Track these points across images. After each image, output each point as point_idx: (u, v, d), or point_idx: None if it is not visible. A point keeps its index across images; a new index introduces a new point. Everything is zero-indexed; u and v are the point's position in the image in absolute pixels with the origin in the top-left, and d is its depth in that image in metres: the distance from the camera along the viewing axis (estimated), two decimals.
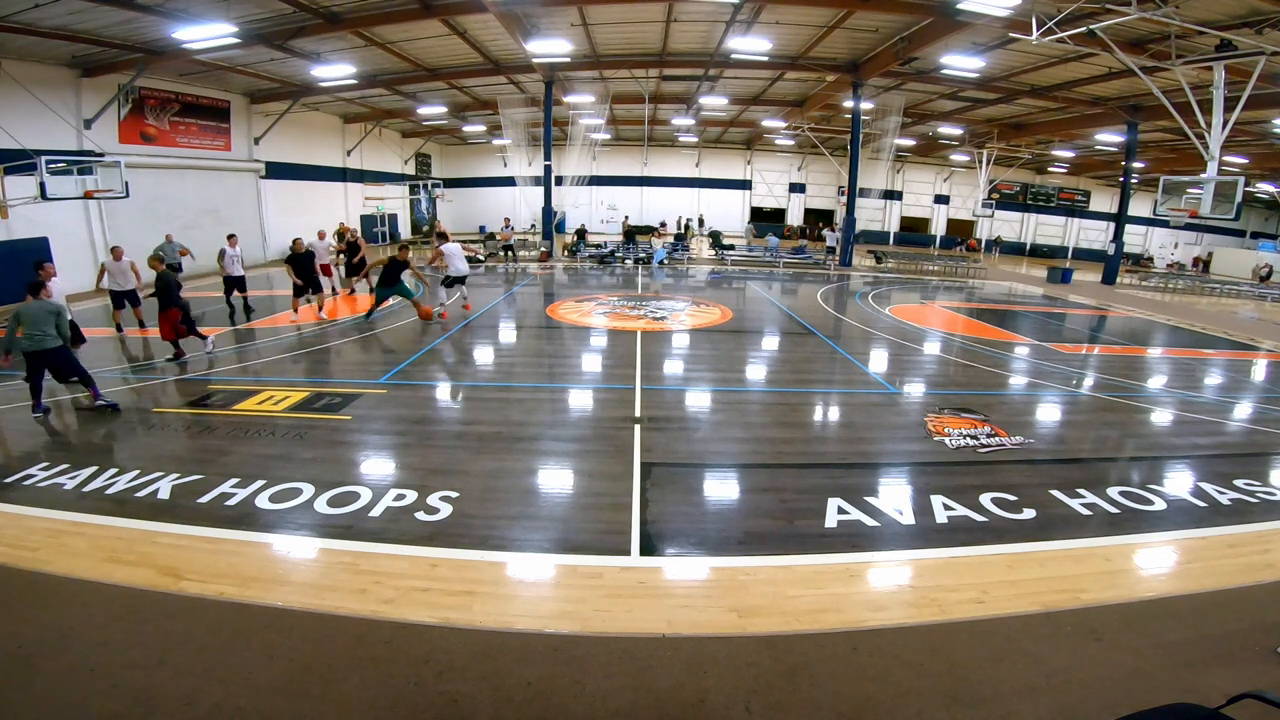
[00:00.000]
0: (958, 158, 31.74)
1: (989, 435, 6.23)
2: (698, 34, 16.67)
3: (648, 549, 4.06)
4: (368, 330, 10.59)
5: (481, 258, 22.22)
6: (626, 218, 31.15)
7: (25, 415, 6.46)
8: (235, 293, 11.94)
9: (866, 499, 4.77)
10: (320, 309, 11.45)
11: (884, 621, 3.39)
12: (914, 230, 37.31)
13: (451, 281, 12.32)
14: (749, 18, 14.64)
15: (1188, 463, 5.86)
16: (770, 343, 10.66)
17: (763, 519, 4.50)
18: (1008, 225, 35.93)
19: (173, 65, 15.46)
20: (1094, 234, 35.95)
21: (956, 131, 26.79)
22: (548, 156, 21.46)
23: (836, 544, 4.17)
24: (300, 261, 11.02)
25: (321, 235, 13.92)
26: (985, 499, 4.80)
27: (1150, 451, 6.32)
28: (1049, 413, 7.34)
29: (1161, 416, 7.40)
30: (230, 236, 12.11)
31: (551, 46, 15.56)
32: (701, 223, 34.34)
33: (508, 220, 24.26)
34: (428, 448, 5.73)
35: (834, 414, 7.16)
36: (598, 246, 23.61)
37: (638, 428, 6.18)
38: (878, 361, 9.50)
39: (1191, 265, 32.66)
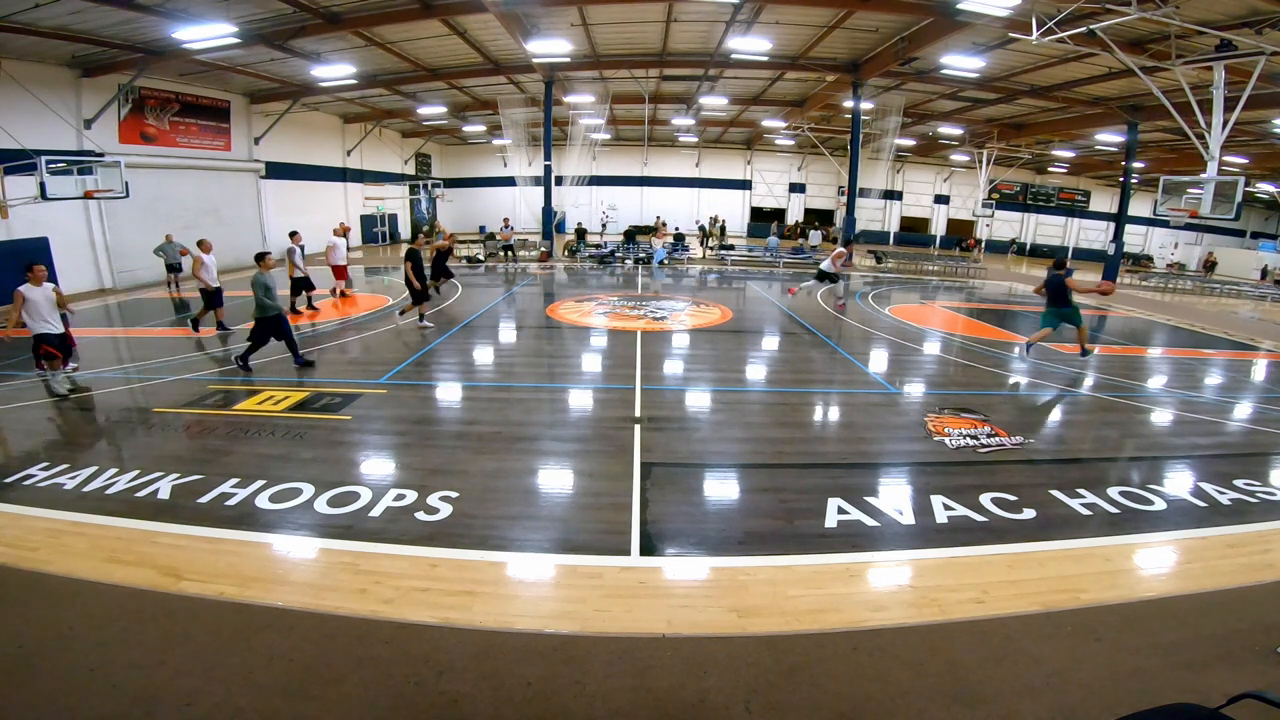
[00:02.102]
0: (958, 158, 31.72)
1: (989, 435, 6.23)
2: (698, 34, 16.66)
3: (648, 549, 4.06)
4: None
5: (481, 258, 22.27)
6: (658, 218, 30.27)
7: (25, 415, 6.47)
8: (304, 292, 11.91)
9: (866, 499, 4.77)
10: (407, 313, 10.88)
11: (884, 621, 3.39)
12: (914, 230, 37.31)
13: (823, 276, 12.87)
14: (749, 18, 14.63)
15: (1188, 463, 5.85)
16: (770, 343, 10.66)
17: (763, 519, 4.50)
18: (1008, 225, 35.94)
19: (173, 65, 15.46)
20: (1094, 234, 35.94)
21: (956, 131, 26.77)
22: (548, 156, 21.45)
23: (836, 544, 4.16)
24: (421, 260, 10.28)
25: (345, 230, 13.85)
26: (985, 499, 4.80)
27: (1150, 451, 6.32)
28: (1049, 413, 7.34)
29: (1161, 416, 7.40)
30: (294, 234, 12.08)
31: (551, 46, 15.56)
32: (723, 225, 33.96)
33: (507, 220, 24.26)
34: (428, 448, 5.73)
35: (834, 414, 7.16)
36: (598, 246, 23.61)
37: (638, 428, 6.18)
38: (878, 361, 9.49)
39: (1202, 267, 32.58)
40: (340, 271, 13.58)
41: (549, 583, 3.79)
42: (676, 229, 28.92)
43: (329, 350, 9.31)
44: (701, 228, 25.92)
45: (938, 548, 4.15)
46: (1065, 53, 14.84)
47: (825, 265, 12.69)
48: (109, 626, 3.22)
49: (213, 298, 9.97)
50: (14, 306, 6.91)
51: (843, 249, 12.78)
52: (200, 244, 10.15)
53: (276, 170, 21.46)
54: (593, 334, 10.70)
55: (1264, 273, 29.93)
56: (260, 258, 8.09)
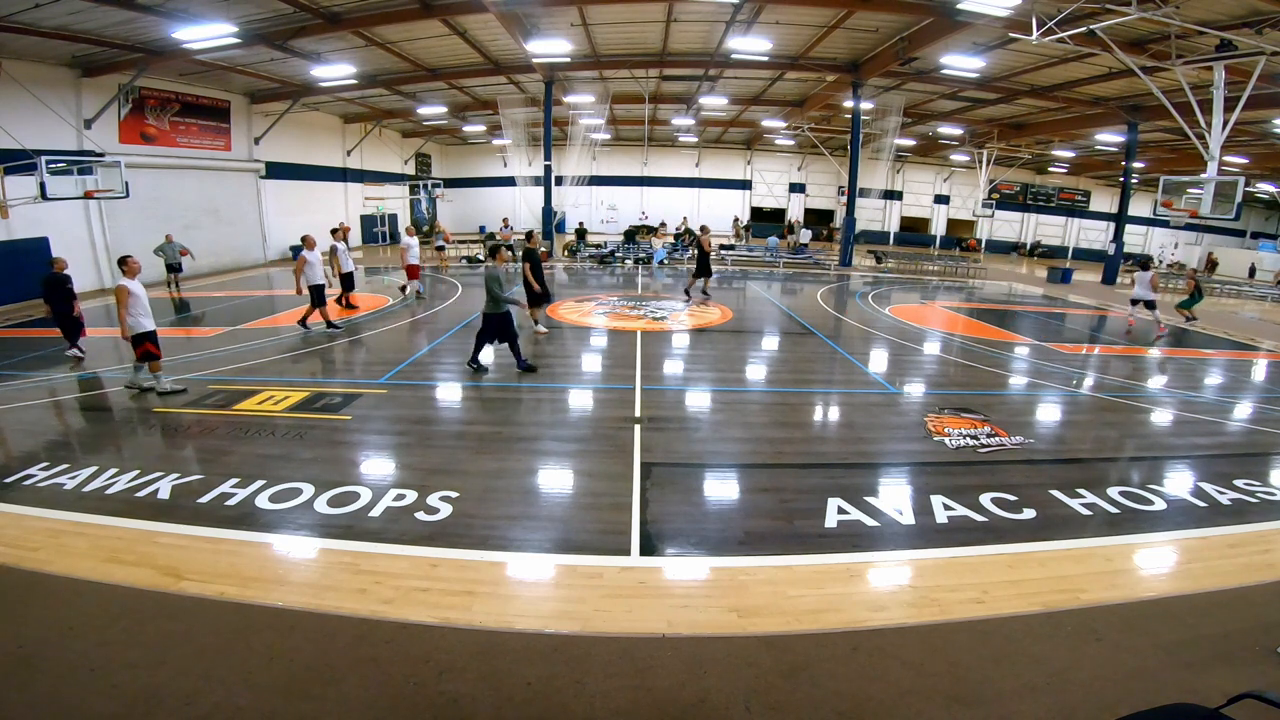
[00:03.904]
0: (958, 158, 31.73)
1: (989, 435, 6.23)
2: (698, 34, 16.67)
3: (648, 549, 4.06)
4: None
5: (481, 258, 22.27)
6: (684, 219, 29.69)
7: (26, 415, 6.46)
8: (348, 296, 12.09)
9: (866, 499, 4.77)
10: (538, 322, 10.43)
11: (884, 621, 3.39)
12: (914, 230, 37.32)
13: (1136, 300, 12.66)
14: (749, 18, 14.64)
15: (1188, 463, 5.85)
16: (770, 343, 10.65)
17: (763, 519, 4.50)
18: (1008, 225, 35.94)
19: (173, 65, 15.47)
20: (1094, 234, 35.95)
21: (956, 131, 26.78)
22: (548, 156, 21.45)
23: (836, 544, 4.16)
24: (539, 261, 9.99)
25: (411, 231, 14.22)
26: (985, 499, 4.80)
27: (1150, 451, 6.32)
28: (1049, 413, 7.34)
29: (1161, 416, 7.40)
30: (335, 230, 12.12)
31: (551, 46, 15.56)
32: (746, 226, 33.89)
33: (506, 220, 24.27)
34: (428, 448, 5.73)
35: (834, 414, 7.16)
36: (598, 246, 23.61)
37: (638, 428, 6.18)
38: (877, 361, 9.49)
39: (1204, 267, 32.61)
40: (413, 271, 13.73)
41: (549, 583, 3.79)
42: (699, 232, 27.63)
43: (331, 350, 9.32)
44: (688, 231, 26.21)
45: (938, 548, 4.15)
46: (1065, 53, 14.84)
47: (1141, 292, 12.33)
48: (109, 626, 3.22)
49: (318, 295, 10.03)
50: (122, 305, 6.65)
51: (1147, 273, 12.59)
52: (304, 240, 10.11)
53: (276, 170, 21.47)
54: (593, 334, 10.69)
55: (1252, 271, 30.09)
56: (495, 251, 7.90)
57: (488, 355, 8.38)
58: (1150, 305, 12.30)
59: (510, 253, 8.11)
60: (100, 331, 10.03)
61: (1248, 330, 13.93)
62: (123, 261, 6.86)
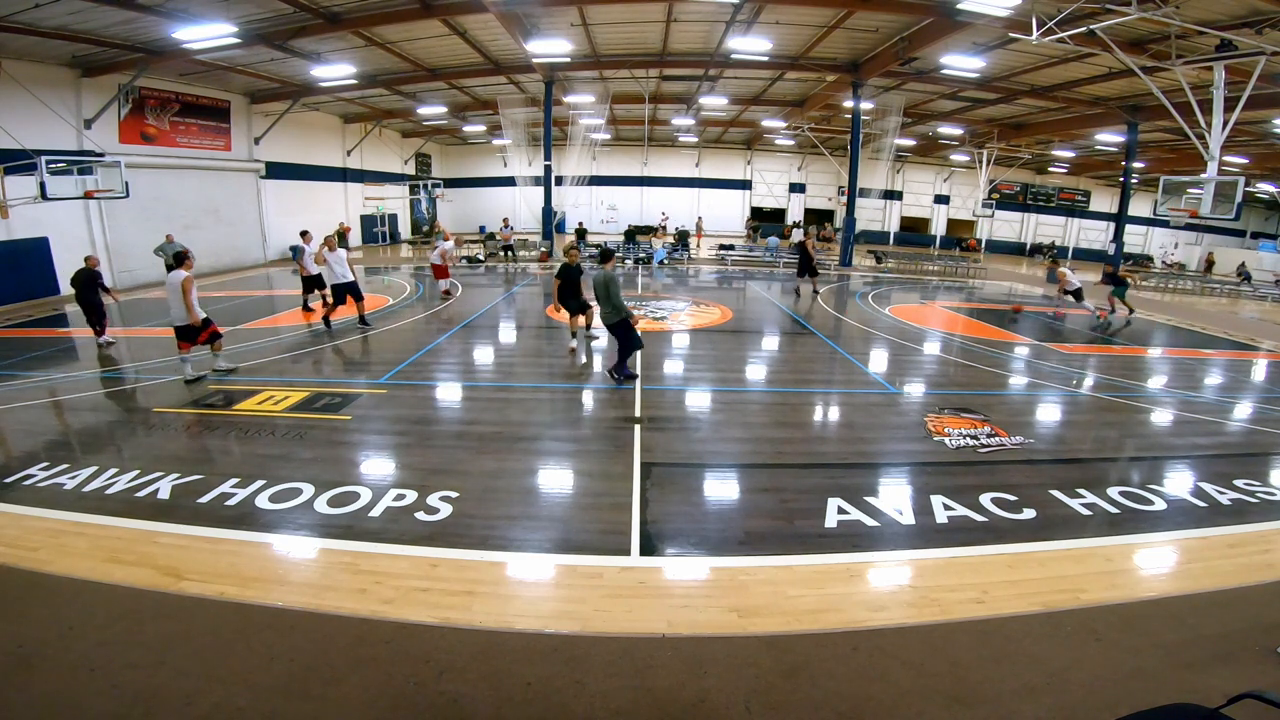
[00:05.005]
0: (958, 158, 31.72)
1: (989, 435, 6.22)
2: (698, 34, 16.67)
3: (648, 549, 4.06)
4: None
5: (481, 258, 22.29)
6: (700, 219, 29.91)
7: (25, 415, 6.46)
8: (315, 290, 11.56)
9: (866, 499, 4.77)
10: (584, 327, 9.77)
11: (884, 621, 3.39)
12: (914, 230, 37.31)
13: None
14: (749, 18, 14.64)
15: (1188, 463, 5.85)
16: (770, 343, 10.65)
17: (763, 519, 4.50)
18: (1008, 225, 35.93)
19: (173, 65, 15.47)
20: (1094, 234, 35.95)
21: (956, 131, 26.77)
22: (548, 156, 21.45)
23: (836, 544, 4.16)
24: (572, 274, 8.85)
25: (449, 237, 14.22)
26: (985, 499, 4.80)
27: (1150, 451, 6.32)
28: (1049, 413, 7.34)
29: (1161, 416, 7.39)
30: (304, 233, 11.84)
31: (551, 46, 15.56)
32: (756, 226, 33.92)
33: (506, 220, 24.28)
34: (428, 448, 5.73)
35: (834, 414, 7.16)
36: (597, 246, 23.61)
37: (638, 428, 6.18)
38: (877, 361, 9.49)
39: (1203, 267, 32.59)
40: (441, 271, 13.84)
41: (549, 583, 3.79)
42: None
43: (332, 350, 9.32)
44: (685, 231, 26.44)
45: (938, 548, 4.14)
46: (1065, 53, 14.85)
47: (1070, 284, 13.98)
48: (109, 626, 3.22)
49: (341, 292, 10.07)
50: (188, 293, 7.21)
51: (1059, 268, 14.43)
52: (326, 240, 10.08)
53: (276, 170, 21.48)
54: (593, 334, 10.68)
55: (1241, 269, 30.13)
56: (606, 255, 7.54)
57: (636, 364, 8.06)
58: (1078, 295, 13.80)
59: (617, 255, 7.77)
60: (115, 331, 10.01)
61: (1246, 329, 13.93)
62: (184, 257, 7.49)
